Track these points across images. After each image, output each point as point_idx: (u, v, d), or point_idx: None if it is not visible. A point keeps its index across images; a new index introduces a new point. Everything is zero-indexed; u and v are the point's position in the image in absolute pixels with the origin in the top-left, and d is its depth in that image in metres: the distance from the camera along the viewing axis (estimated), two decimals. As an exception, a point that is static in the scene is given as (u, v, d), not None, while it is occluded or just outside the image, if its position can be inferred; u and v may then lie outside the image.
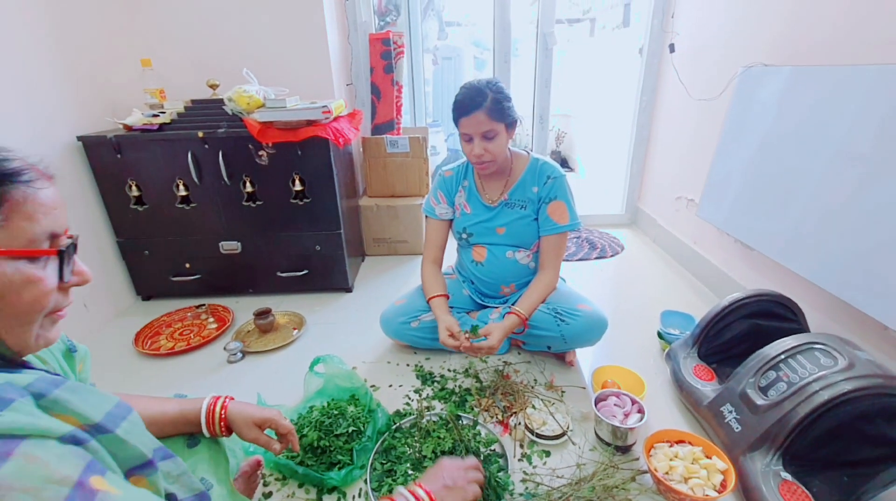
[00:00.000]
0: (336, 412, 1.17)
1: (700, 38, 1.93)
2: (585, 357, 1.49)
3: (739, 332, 1.23)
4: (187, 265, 1.87)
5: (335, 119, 1.78)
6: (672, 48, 2.10)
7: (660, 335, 1.51)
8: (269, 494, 1.05)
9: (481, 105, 1.22)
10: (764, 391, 1.00)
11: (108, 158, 1.68)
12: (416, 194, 2.29)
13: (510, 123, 1.29)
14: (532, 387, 1.34)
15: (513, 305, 1.37)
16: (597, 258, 2.25)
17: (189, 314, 1.80)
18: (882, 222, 1.05)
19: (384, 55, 2.18)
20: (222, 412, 0.84)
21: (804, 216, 1.27)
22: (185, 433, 0.82)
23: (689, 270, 2.05)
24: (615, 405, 1.14)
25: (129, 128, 1.70)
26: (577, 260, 2.24)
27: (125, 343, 1.62)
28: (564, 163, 4.35)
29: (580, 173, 4.13)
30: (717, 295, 1.81)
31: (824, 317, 1.29)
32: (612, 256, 2.27)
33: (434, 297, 1.39)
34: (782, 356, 1.02)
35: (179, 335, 1.69)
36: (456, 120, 1.28)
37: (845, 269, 1.14)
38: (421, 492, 0.79)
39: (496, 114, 1.24)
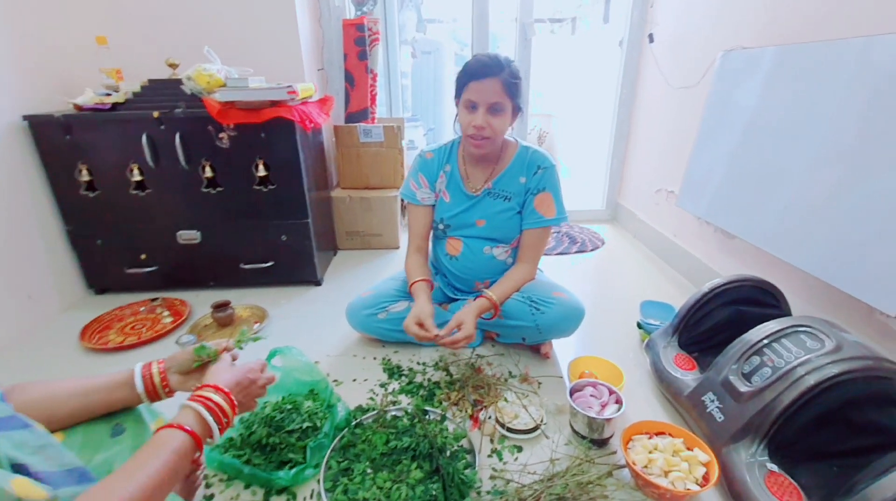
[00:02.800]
0: (290, 407, 1.07)
1: (680, 26, 1.91)
2: (562, 350, 1.42)
3: (721, 319, 1.17)
4: (143, 256, 1.75)
5: (303, 103, 1.69)
6: (651, 38, 2.07)
7: (639, 326, 1.45)
8: (212, 496, 0.95)
9: (498, 73, 1.13)
10: (747, 377, 0.94)
11: (57, 139, 1.56)
12: (390, 186, 2.20)
13: (516, 106, 1.20)
14: (505, 380, 1.26)
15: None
16: (577, 253, 2.19)
17: (142, 308, 1.68)
18: (868, 204, 1.00)
19: (358, 41, 2.10)
20: (160, 367, 0.78)
21: (788, 201, 1.22)
22: (114, 410, 0.74)
23: (670, 262, 2.01)
24: (591, 395, 1.07)
25: (79, 107, 1.58)
26: (556, 254, 2.18)
27: (71, 338, 1.50)
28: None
29: (563, 173, 4.10)
30: (697, 286, 1.75)
31: (806, 302, 1.25)
32: (592, 250, 2.22)
33: (416, 281, 1.29)
34: (766, 341, 0.96)
35: (131, 329, 1.57)
36: (464, 84, 1.17)
37: (830, 252, 1.09)
38: (214, 395, 0.72)
39: (510, 88, 1.15)
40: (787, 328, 0.96)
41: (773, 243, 1.27)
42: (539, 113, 4.30)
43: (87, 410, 0.71)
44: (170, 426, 0.66)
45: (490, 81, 1.13)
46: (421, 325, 1.18)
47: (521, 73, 1.18)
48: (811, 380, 0.83)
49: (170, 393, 0.80)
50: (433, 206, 1.40)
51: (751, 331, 1.01)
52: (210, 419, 0.70)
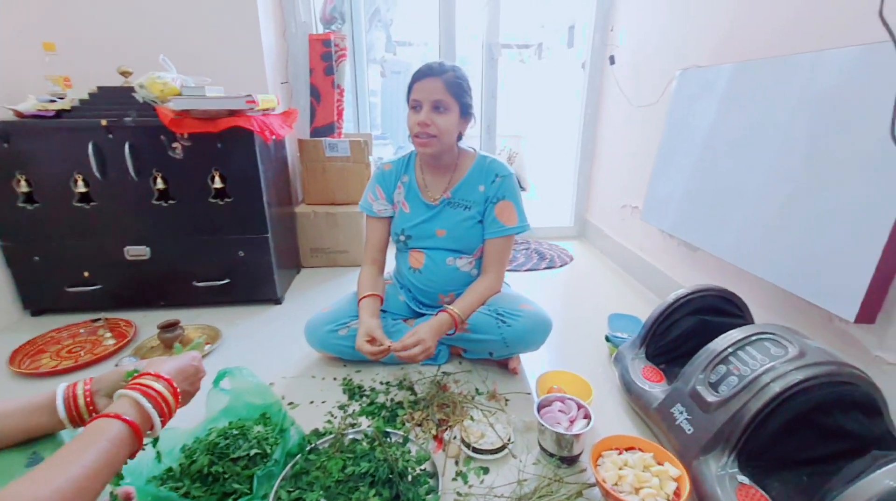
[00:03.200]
0: (236, 433, 0.98)
1: (639, 48, 1.97)
2: (531, 364, 1.37)
3: (686, 329, 1.16)
4: (86, 274, 1.63)
5: (264, 114, 1.64)
6: (612, 60, 2.14)
7: (608, 339, 1.42)
8: (142, 537, 0.84)
9: (440, 74, 1.16)
10: (715, 386, 0.92)
11: (-8, 147, 1.45)
12: (357, 202, 2.14)
13: (464, 107, 1.21)
14: (472, 398, 1.21)
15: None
16: (546, 268, 2.18)
17: (83, 329, 1.55)
18: (821, 215, 1.02)
19: (325, 56, 2.08)
20: (85, 387, 0.70)
21: (746, 213, 1.24)
22: (33, 437, 0.66)
23: (636, 277, 2.02)
24: (560, 410, 1.02)
25: (20, 114, 1.48)
26: (526, 270, 2.16)
27: (-2, 363, 1.36)
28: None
29: (531, 192, 4.16)
30: (663, 299, 1.77)
31: (768, 311, 1.26)
32: (560, 266, 2.21)
33: (364, 296, 1.25)
34: (731, 349, 0.95)
35: (68, 352, 1.44)
36: (410, 86, 1.20)
37: (789, 262, 1.10)
38: (155, 382, 0.67)
39: (453, 87, 1.17)
40: (751, 335, 0.95)
41: (734, 255, 1.29)
42: (508, 134, 4.38)
43: (1, 436, 0.63)
44: (105, 415, 0.59)
45: (432, 80, 1.16)
46: (373, 340, 1.14)
47: (468, 79, 1.22)
48: (777, 387, 0.82)
49: (95, 416, 0.72)
50: (391, 218, 1.38)
51: (716, 340, 0.99)
52: (150, 407, 0.64)
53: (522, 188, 4.27)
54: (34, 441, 0.67)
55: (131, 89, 1.53)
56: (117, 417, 0.59)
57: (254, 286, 1.73)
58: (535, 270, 2.17)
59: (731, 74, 1.32)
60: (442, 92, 1.16)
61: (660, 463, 0.90)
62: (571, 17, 3.11)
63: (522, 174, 4.44)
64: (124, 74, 1.59)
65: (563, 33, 3.30)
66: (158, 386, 0.67)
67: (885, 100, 0.85)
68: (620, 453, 0.94)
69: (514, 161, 4.50)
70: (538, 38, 3.98)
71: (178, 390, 0.70)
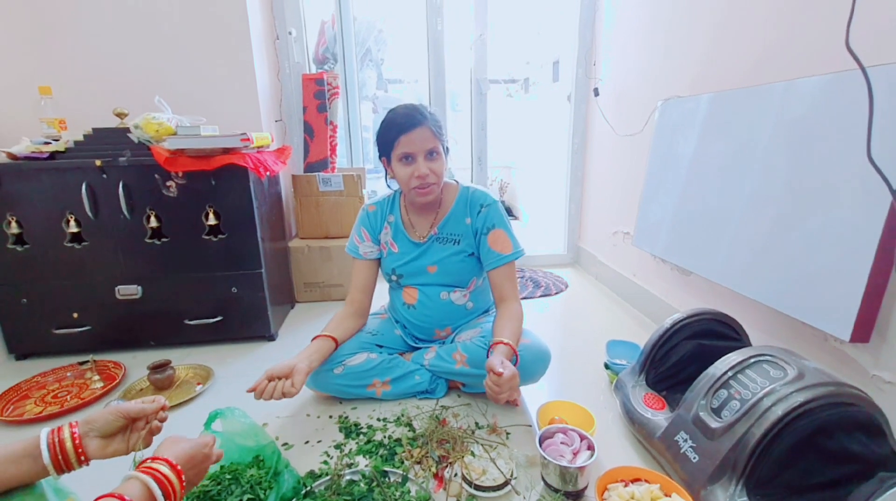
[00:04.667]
0: (229, 478, 0.94)
1: (621, 80, 2.05)
2: (531, 395, 1.35)
3: (685, 354, 1.15)
4: (75, 315, 1.60)
5: (259, 151, 1.67)
6: (597, 92, 2.21)
7: (607, 366, 1.41)
8: None
9: (423, 121, 1.15)
10: (717, 412, 0.91)
11: (-17, 190, 1.45)
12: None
13: (446, 148, 1.24)
14: (472, 432, 1.18)
15: (454, 341, 1.26)
16: (541, 296, 2.18)
17: (69, 373, 1.51)
18: (809, 236, 1.04)
19: (318, 94, 2.14)
20: (72, 430, 0.67)
21: (735, 236, 1.27)
22: (11, 486, 0.63)
23: (632, 302, 2.02)
24: (562, 442, 1.00)
25: (14, 157, 1.49)
26: (522, 299, 2.15)
27: (-23, 412, 1.31)
28: (509, 212, 4.43)
29: (524, 221, 4.20)
30: (658, 324, 1.77)
31: (764, 333, 1.26)
32: (556, 294, 2.21)
33: (318, 336, 1.23)
34: (730, 373, 0.94)
35: (53, 397, 1.40)
36: (393, 140, 1.17)
37: (781, 283, 1.11)
38: (167, 469, 0.65)
39: (438, 131, 1.18)
40: (749, 358, 0.94)
41: (727, 277, 1.30)
42: (499, 165, 4.46)
43: None
44: (110, 495, 0.57)
45: (420, 130, 1.15)
46: (287, 376, 1.09)
47: (443, 121, 1.25)
48: (779, 411, 0.81)
49: (85, 462, 0.69)
50: (377, 260, 1.38)
51: (714, 364, 0.99)
52: (160, 495, 0.62)
53: (514, 217, 4.33)
54: (10, 492, 0.64)
55: (126, 130, 1.55)
56: (121, 499, 0.57)
57: (247, 323, 1.70)
58: (530, 298, 2.17)
59: (710, 104, 1.37)
60: (432, 139, 1.16)
61: (667, 495, 0.88)
62: (555, 53, 3.24)
63: (514, 204, 4.50)
64: (120, 115, 1.61)
65: (548, 68, 3.43)
66: (170, 473, 0.65)
67: (858, 123, 0.89)
68: (626, 485, 0.91)
69: (505, 191, 4.57)
70: (524, 74, 4.12)
71: (185, 480, 0.67)
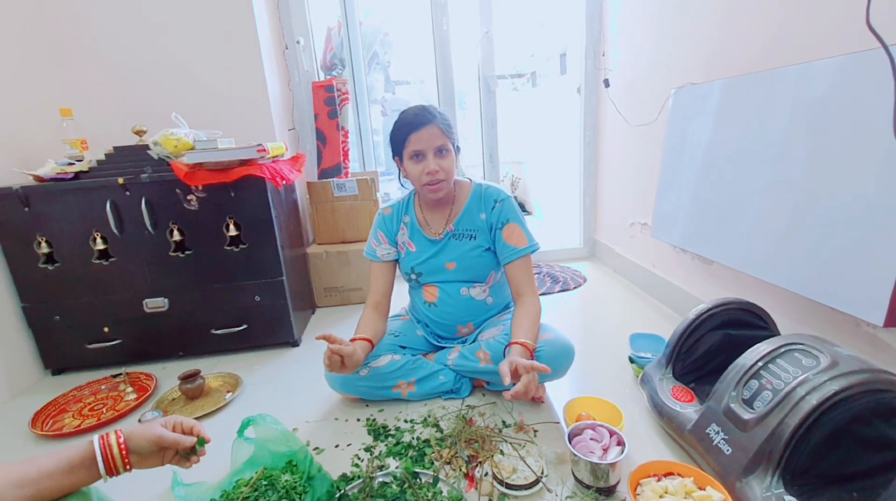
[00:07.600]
0: (265, 483, 0.97)
1: (631, 70, 2.03)
2: (556, 391, 1.35)
3: (712, 345, 1.14)
4: (106, 330, 1.64)
5: (274, 161, 1.69)
6: (607, 83, 2.19)
7: (632, 360, 1.40)
8: None
9: (433, 119, 1.19)
10: (749, 403, 0.90)
11: (14, 212, 1.51)
12: (367, 238, 2.18)
13: (456, 147, 1.26)
14: (499, 431, 1.18)
15: (476, 340, 1.25)
16: (560, 291, 2.17)
17: (104, 386, 1.56)
18: (831, 219, 1.02)
19: (328, 101, 2.16)
20: (118, 438, 0.72)
21: (755, 222, 1.24)
22: (66, 494, 0.67)
23: (652, 293, 2.00)
24: (592, 439, 1.00)
25: (40, 179, 1.54)
26: (540, 294, 2.15)
27: (20, 426, 1.35)
28: (522, 207, 4.40)
29: (537, 216, 4.18)
30: (681, 315, 1.74)
31: (793, 321, 1.23)
32: (574, 288, 2.20)
33: (356, 338, 1.24)
34: (761, 363, 0.93)
35: (90, 410, 1.44)
36: (404, 139, 1.20)
37: (807, 268, 1.09)
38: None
39: (447, 129, 1.21)
40: (779, 347, 0.93)
41: (750, 265, 1.28)
42: (510, 160, 4.44)
43: (39, 497, 0.64)
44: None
45: (429, 128, 1.18)
46: (331, 344, 1.11)
47: (451, 120, 1.26)
48: (814, 400, 0.80)
49: (130, 468, 0.73)
50: (395, 262, 1.39)
51: (744, 355, 0.98)
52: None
53: (528, 212, 4.30)
54: (63, 498, 0.67)
55: (146, 147, 1.59)
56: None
57: (271, 330, 1.73)
58: (549, 293, 2.16)
59: (724, 89, 1.35)
60: (441, 136, 1.19)
61: (701, 488, 0.87)
62: (562, 45, 3.22)
63: (527, 199, 4.48)
64: (139, 133, 1.65)
65: (555, 61, 3.40)
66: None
67: (881, 104, 0.86)
68: (659, 480, 0.91)
69: (517, 187, 4.55)
70: (531, 68, 4.10)
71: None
